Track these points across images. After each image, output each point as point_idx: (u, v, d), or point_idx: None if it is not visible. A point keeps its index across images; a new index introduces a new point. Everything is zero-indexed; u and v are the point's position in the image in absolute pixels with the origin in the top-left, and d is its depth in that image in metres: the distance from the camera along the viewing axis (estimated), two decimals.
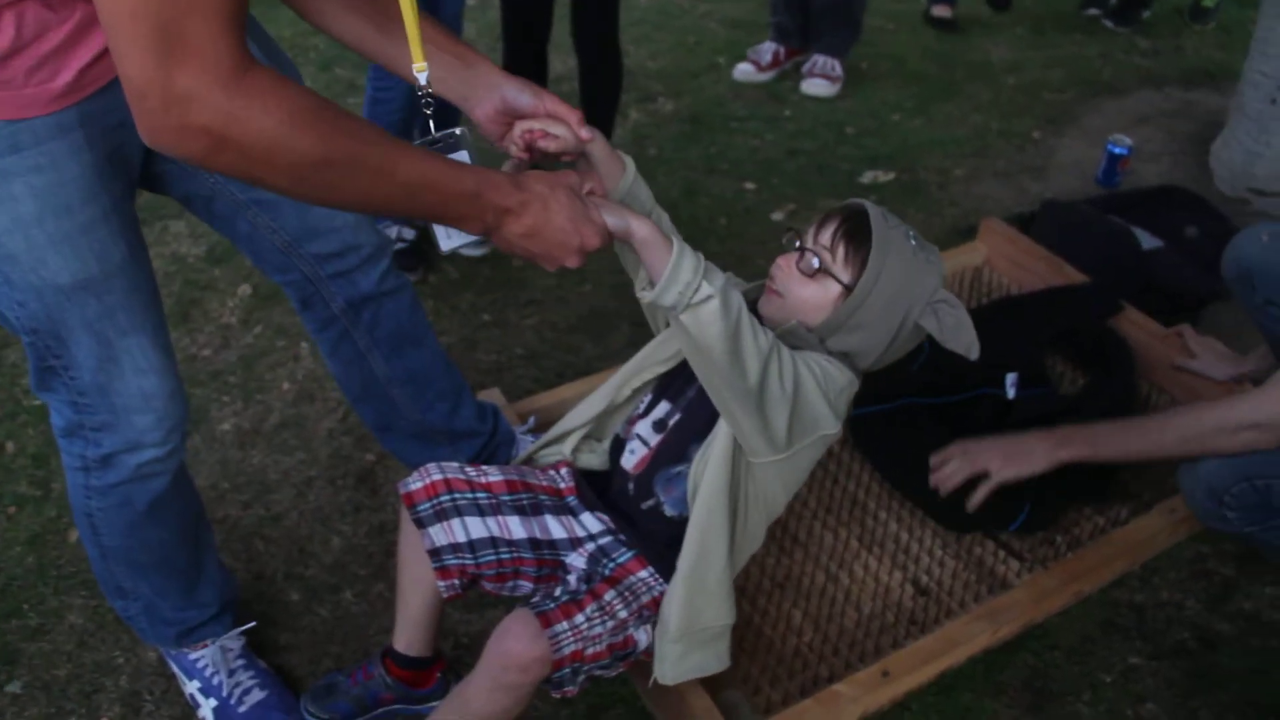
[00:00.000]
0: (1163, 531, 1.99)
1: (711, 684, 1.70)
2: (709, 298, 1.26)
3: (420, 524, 1.54)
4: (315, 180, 1.08)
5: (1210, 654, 1.90)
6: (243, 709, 1.73)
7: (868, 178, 3.29)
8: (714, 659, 1.56)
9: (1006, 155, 3.45)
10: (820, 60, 3.76)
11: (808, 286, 1.47)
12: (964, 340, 1.46)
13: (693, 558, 1.48)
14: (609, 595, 1.51)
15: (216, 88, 0.97)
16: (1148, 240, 2.64)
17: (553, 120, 1.38)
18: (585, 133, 1.38)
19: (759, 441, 1.43)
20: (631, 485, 1.59)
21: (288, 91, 1.02)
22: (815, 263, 1.45)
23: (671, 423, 1.56)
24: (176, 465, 1.55)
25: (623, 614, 1.50)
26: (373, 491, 2.17)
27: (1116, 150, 3.16)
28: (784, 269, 1.49)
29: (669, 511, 1.57)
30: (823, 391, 1.43)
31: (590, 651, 1.45)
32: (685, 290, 1.25)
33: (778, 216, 3.08)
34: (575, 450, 1.69)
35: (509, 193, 1.22)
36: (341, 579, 2.00)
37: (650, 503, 1.58)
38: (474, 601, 1.93)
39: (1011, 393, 2.21)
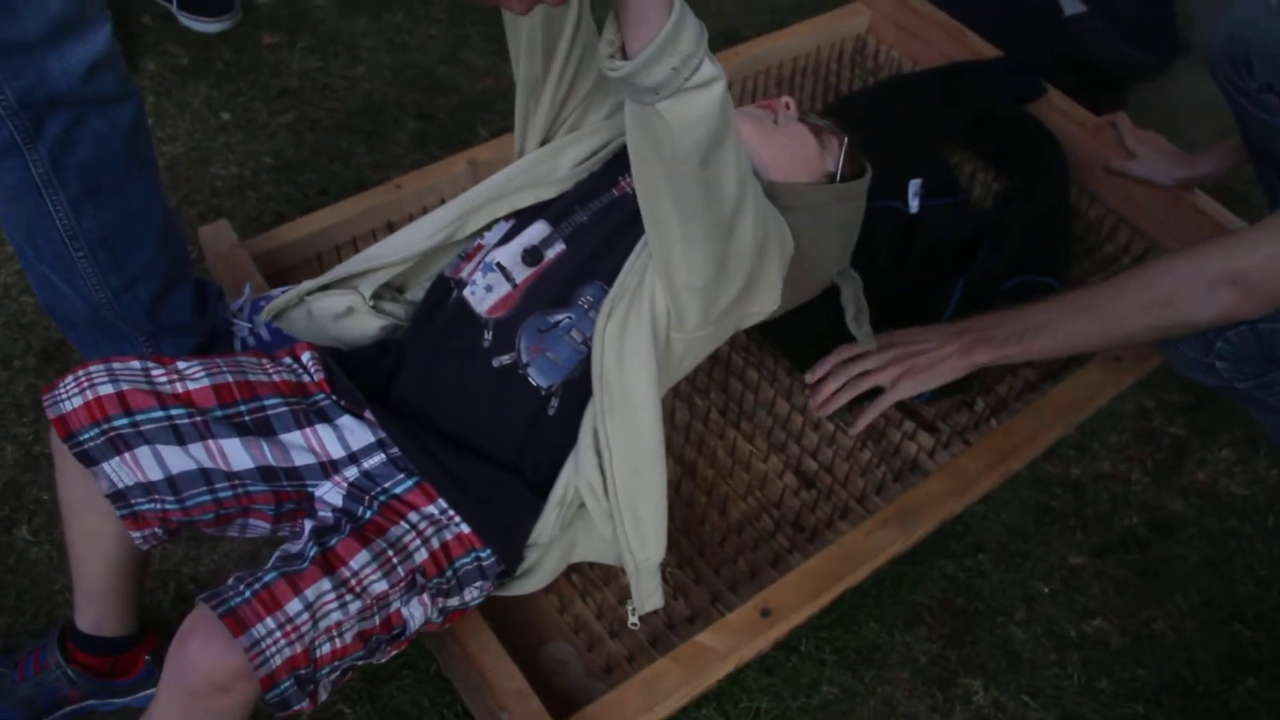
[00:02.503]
0: (1106, 385, 1.56)
1: (532, 638, 1.29)
2: (712, 80, 0.93)
3: (88, 460, 1.07)
4: None
5: (1163, 542, 1.53)
6: None
7: None
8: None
9: None
10: None
11: (801, 141, 1.31)
12: (864, 329, 1.39)
13: (655, 449, 1.17)
14: (357, 561, 1.03)
15: None
16: (1068, 4, 2.14)
17: None
18: None
19: (696, 303, 1.13)
20: (489, 334, 1.17)
21: None
22: (833, 126, 1.35)
23: (551, 254, 1.19)
24: None
25: (379, 587, 1.04)
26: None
27: None
28: (791, 108, 1.34)
29: (535, 379, 1.16)
30: (781, 253, 1.20)
31: (325, 650, 1.01)
32: (682, 66, 0.90)
33: None
34: (375, 297, 1.27)
35: None
36: (16, 509, 1.48)
37: (507, 359, 1.16)
38: None
39: (915, 205, 1.72)
